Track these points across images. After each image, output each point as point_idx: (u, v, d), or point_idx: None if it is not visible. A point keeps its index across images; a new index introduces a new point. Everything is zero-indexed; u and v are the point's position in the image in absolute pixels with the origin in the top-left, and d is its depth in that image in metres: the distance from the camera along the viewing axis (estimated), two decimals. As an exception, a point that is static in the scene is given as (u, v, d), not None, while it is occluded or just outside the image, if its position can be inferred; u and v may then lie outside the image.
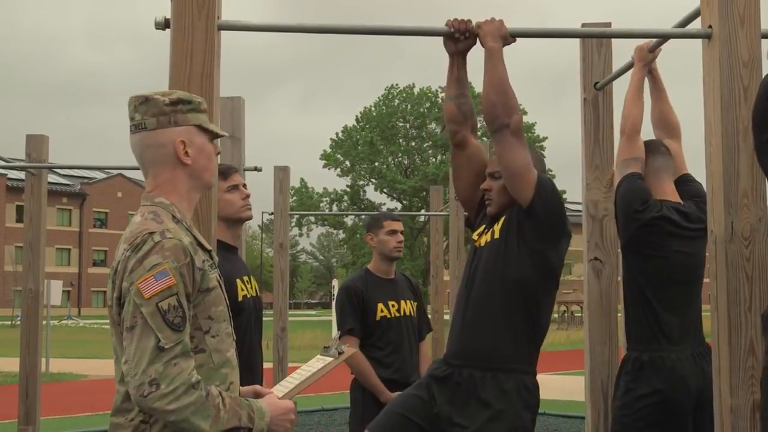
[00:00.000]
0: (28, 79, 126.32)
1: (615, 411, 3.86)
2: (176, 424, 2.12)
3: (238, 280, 3.86)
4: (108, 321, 2.32)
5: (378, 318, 4.88)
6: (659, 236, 3.79)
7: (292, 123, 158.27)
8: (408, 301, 5.03)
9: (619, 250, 4.09)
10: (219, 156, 2.51)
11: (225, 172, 3.97)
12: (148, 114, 2.33)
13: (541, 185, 3.34)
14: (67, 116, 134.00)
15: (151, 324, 2.12)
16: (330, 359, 2.62)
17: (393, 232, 4.99)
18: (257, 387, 2.53)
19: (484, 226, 3.59)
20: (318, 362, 2.61)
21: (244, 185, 4.01)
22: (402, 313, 4.96)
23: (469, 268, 3.54)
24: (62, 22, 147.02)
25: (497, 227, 3.46)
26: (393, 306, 4.94)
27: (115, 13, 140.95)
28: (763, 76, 2.73)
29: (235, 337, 2.42)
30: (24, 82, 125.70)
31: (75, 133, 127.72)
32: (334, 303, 5.14)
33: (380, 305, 4.90)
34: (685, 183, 4.05)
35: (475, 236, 3.62)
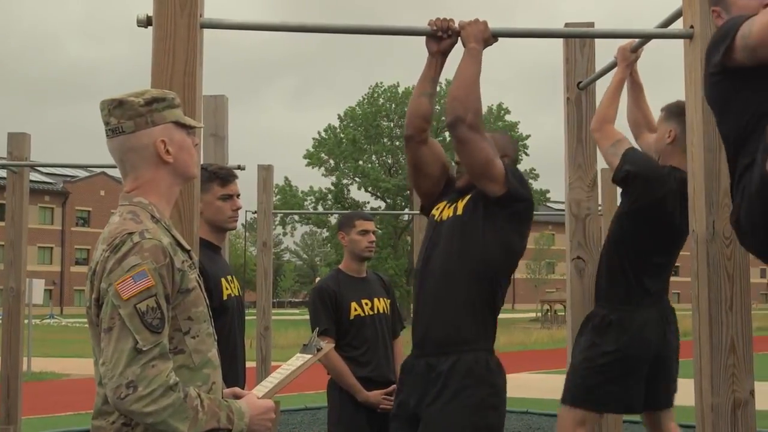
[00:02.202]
0: (20, 76, 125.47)
1: (575, 365, 3.96)
2: (154, 426, 2.10)
3: (222, 279, 3.86)
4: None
5: (352, 317, 4.86)
6: (669, 207, 3.81)
7: (284, 120, 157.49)
8: (381, 299, 5.02)
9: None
10: (198, 147, 2.49)
11: (225, 179, 3.95)
12: (124, 117, 2.30)
13: (510, 179, 3.30)
14: (59, 114, 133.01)
15: (129, 326, 2.09)
16: (309, 356, 2.61)
17: (365, 232, 4.97)
18: (236, 389, 2.51)
19: (445, 202, 3.52)
20: (297, 360, 2.61)
21: (238, 195, 4.01)
22: (376, 311, 4.95)
23: (428, 244, 3.48)
24: (58, 18, 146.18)
25: (461, 204, 3.41)
26: (366, 304, 4.92)
27: (110, 8, 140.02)
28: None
29: (216, 337, 2.41)
30: (16, 78, 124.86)
31: (68, 131, 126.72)
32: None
33: (354, 304, 4.87)
34: None
35: (434, 211, 3.55)
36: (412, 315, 3.54)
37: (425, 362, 3.36)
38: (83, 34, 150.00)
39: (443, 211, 3.49)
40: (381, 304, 5.00)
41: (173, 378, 2.12)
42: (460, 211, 3.39)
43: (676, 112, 3.92)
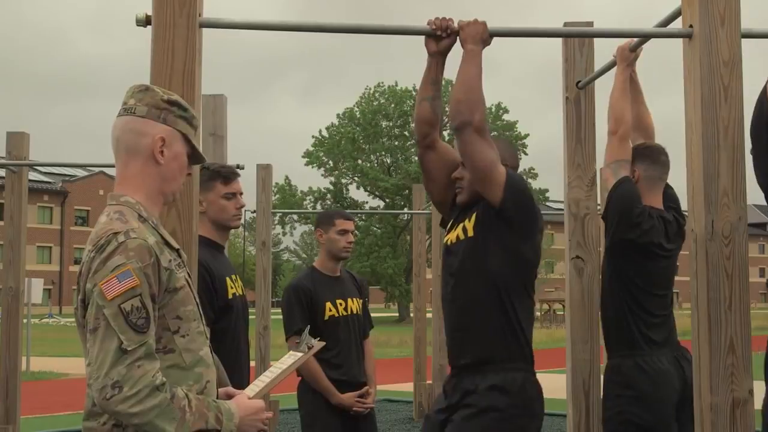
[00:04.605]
0: (27, 73, 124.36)
1: (606, 422, 3.90)
2: (140, 427, 2.09)
3: (227, 278, 3.86)
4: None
5: (326, 317, 4.81)
6: (654, 241, 3.84)
7: (291, 118, 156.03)
8: (354, 299, 4.99)
9: (601, 250, 4.11)
10: (190, 177, 2.49)
11: (228, 177, 3.95)
12: (143, 102, 2.32)
13: (511, 183, 3.30)
14: (65, 112, 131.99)
15: (114, 326, 2.08)
16: (300, 354, 2.63)
17: (344, 231, 4.92)
18: (229, 388, 2.51)
19: (452, 221, 3.53)
20: (290, 358, 2.63)
21: (241, 193, 4.00)
22: (349, 312, 4.92)
23: (443, 271, 3.50)
24: (68, 14, 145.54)
25: (469, 224, 3.39)
26: (341, 304, 4.89)
27: (121, 4, 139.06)
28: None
29: (208, 336, 2.39)
30: (23, 76, 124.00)
31: (72, 129, 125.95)
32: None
33: (328, 304, 4.84)
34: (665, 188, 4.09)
35: (445, 234, 3.56)
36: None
37: (459, 381, 3.38)
38: (93, 31, 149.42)
39: (451, 232, 3.49)
40: (354, 305, 4.97)
41: (159, 378, 2.10)
42: (471, 232, 3.38)
43: (634, 154, 3.97)
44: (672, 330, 3.97)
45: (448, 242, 3.50)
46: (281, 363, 2.60)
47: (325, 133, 49.20)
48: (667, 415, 3.78)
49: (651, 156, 3.97)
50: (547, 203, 58.23)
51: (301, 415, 5.00)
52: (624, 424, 3.81)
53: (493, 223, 3.33)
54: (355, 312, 4.96)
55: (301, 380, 4.89)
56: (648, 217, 3.84)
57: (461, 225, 3.44)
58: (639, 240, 3.82)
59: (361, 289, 5.16)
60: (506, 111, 49.59)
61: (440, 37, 3.29)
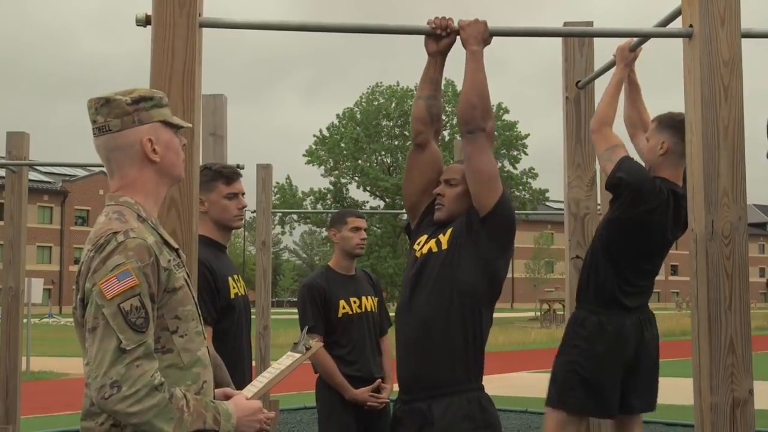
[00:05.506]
0: (30, 72, 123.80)
1: (556, 366, 4.03)
2: (139, 426, 2.08)
3: (229, 278, 3.86)
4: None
5: (340, 315, 4.88)
6: (657, 218, 3.88)
7: (296, 117, 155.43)
8: (369, 297, 5.05)
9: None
10: (186, 147, 2.48)
11: (230, 177, 3.94)
12: (111, 115, 2.28)
13: (505, 199, 3.31)
14: (69, 111, 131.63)
15: (113, 325, 2.08)
16: (298, 355, 2.62)
17: (356, 229, 4.99)
18: (227, 390, 2.50)
19: (425, 235, 3.46)
20: (287, 359, 2.62)
21: (243, 194, 4.01)
22: (363, 310, 4.98)
23: (410, 282, 3.41)
24: (72, 13, 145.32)
25: (444, 238, 3.35)
26: (355, 302, 4.94)
27: (125, 2, 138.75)
28: None
29: (205, 336, 2.39)
30: (26, 75, 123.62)
31: (75, 129, 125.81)
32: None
33: (342, 302, 4.90)
34: None
35: (415, 246, 3.49)
36: (395, 351, 3.48)
37: (417, 408, 3.30)
38: (96, 30, 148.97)
39: (424, 245, 3.43)
40: (369, 303, 5.03)
41: (158, 378, 2.10)
42: (445, 245, 3.33)
43: (668, 123, 3.95)
44: (647, 297, 4.09)
45: (418, 254, 3.43)
46: (279, 363, 2.60)
47: (326, 132, 49.21)
48: (615, 375, 3.91)
49: (682, 131, 3.94)
50: (547, 203, 58.25)
51: (318, 409, 5.08)
52: (569, 373, 3.94)
53: (473, 231, 3.30)
54: (369, 309, 5.02)
55: (319, 376, 4.95)
56: (658, 192, 3.85)
57: (435, 239, 3.39)
58: (643, 218, 3.85)
59: (377, 287, 5.21)
60: (507, 111, 49.55)
61: (440, 36, 3.29)
